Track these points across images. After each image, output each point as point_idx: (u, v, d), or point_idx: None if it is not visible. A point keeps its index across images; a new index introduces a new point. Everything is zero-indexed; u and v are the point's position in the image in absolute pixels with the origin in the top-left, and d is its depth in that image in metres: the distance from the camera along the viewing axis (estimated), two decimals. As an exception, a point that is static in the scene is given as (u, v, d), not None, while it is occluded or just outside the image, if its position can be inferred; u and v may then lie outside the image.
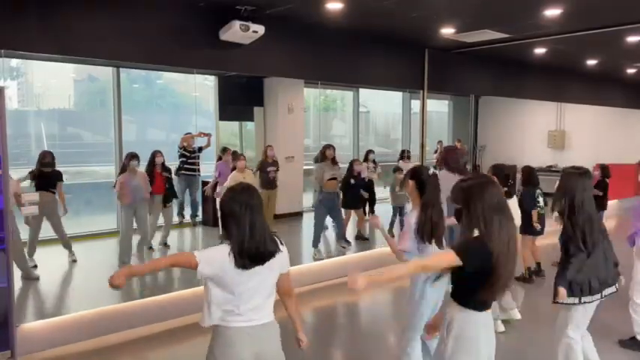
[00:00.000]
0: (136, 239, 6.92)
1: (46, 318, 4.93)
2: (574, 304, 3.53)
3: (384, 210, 9.04)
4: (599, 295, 3.57)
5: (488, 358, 2.50)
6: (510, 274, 2.44)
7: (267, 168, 8.11)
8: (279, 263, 2.51)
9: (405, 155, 10.05)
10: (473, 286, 2.41)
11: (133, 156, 6.63)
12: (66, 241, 6.78)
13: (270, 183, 8.11)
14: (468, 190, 2.46)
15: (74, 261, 6.81)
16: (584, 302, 3.53)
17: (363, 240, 8.38)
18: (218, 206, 8.18)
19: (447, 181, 3.67)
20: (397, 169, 9.02)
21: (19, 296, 5.35)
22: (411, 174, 3.64)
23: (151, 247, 7.48)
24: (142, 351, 4.75)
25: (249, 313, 2.44)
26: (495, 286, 2.40)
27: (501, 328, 5.01)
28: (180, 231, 8.25)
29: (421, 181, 3.51)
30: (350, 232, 8.30)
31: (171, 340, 4.94)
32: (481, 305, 2.46)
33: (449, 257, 2.36)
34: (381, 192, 9.37)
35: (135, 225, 6.82)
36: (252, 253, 2.38)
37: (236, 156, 7.50)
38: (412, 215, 3.59)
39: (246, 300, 2.42)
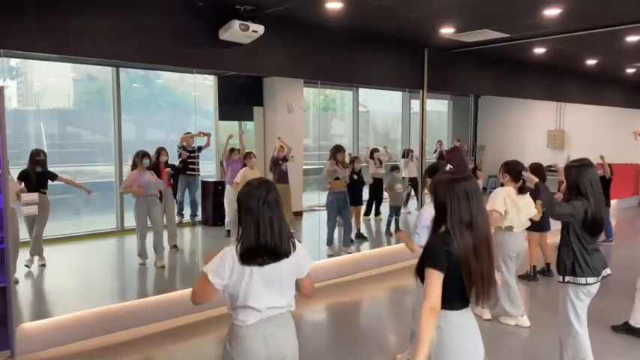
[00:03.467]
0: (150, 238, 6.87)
1: (45, 318, 4.92)
2: (581, 284, 3.56)
3: (387, 210, 9.07)
4: (600, 276, 3.62)
5: (481, 355, 2.44)
6: (485, 271, 2.33)
7: (279, 161, 8.36)
8: (295, 265, 2.48)
9: (408, 155, 10.02)
10: (445, 285, 2.33)
11: (145, 154, 6.69)
12: (37, 246, 6.38)
13: (282, 177, 8.30)
14: (439, 183, 2.43)
15: (26, 266, 6.32)
16: (589, 283, 3.57)
17: (362, 239, 8.41)
18: (226, 206, 8.39)
19: None
20: (394, 168, 9.02)
21: (19, 296, 5.34)
22: (429, 172, 3.76)
23: (175, 246, 7.50)
24: (142, 351, 4.76)
25: (264, 311, 2.42)
26: (469, 284, 2.31)
27: (527, 322, 5.07)
28: (179, 231, 8.26)
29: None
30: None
31: (171, 339, 4.94)
32: (456, 303, 2.37)
33: (434, 277, 2.29)
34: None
35: (149, 223, 6.77)
36: (268, 249, 2.37)
37: (248, 155, 7.77)
38: (428, 210, 3.71)
39: (257, 298, 2.40)
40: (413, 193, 10.24)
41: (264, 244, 2.36)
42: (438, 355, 2.38)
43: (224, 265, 2.36)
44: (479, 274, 2.31)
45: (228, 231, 8.42)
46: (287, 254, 2.43)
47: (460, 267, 2.28)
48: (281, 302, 2.48)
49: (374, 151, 9.39)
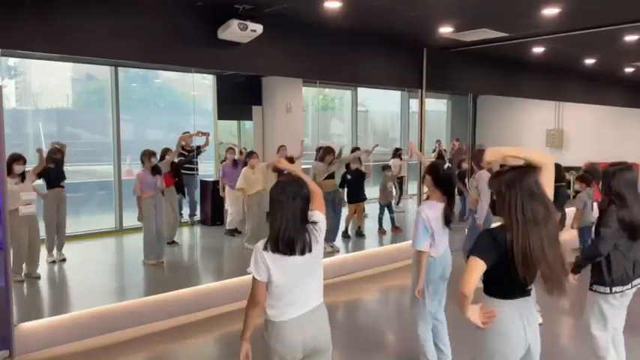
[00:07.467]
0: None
1: (44, 317, 4.92)
2: (605, 292, 3.49)
3: (369, 208, 9.08)
4: (630, 285, 3.50)
5: (524, 343, 2.48)
6: (552, 265, 2.36)
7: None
8: (317, 256, 2.61)
9: (397, 154, 10.19)
10: (494, 277, 2.43)
11: (152, 154, 6.82)
12: (61, 241, 6.87)
13: None
14: (505, 178, 2.46)
15: (54, 261, 6.80)
16: (615, 292, 3.49)
17: (362, 236, 8.42)
18: (227, 206, 8.41)
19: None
20: (386, 167, 9.06)
21: (18, 295, 5.33)
22: (430, 170, 3.91)
23: (173, 242, 7.83)
24: (141, 351, 4.76)
25: (296, 304, 2.56)
26: (517, 278, 2.36)
27: (539, 319, 5.00)
28: (178, 230, 8.26)
29: (439, 176, 3.84)
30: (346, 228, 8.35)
31: (171, 338, 4.94)
32: (507, 293, 2.47)
33: (475, 266, 2.38)
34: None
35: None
36: (285, 241, 2.49)
37: (250, 154, 7.77)
38: (429, 207, 3.83)
39: (291, 290, 2.54)
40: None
41: (283, 237, 2.49)
42: (482, 336, 2.49)
43: (257, 261, 2.51)
44: (546, 267, 2.36)
45: (230, 230, 8.42)
46: (306, 247, 2.53)
47: (516, 260, 2.32)
48: (313, 292, 2.63)
49: (356, 149, 9.46)
